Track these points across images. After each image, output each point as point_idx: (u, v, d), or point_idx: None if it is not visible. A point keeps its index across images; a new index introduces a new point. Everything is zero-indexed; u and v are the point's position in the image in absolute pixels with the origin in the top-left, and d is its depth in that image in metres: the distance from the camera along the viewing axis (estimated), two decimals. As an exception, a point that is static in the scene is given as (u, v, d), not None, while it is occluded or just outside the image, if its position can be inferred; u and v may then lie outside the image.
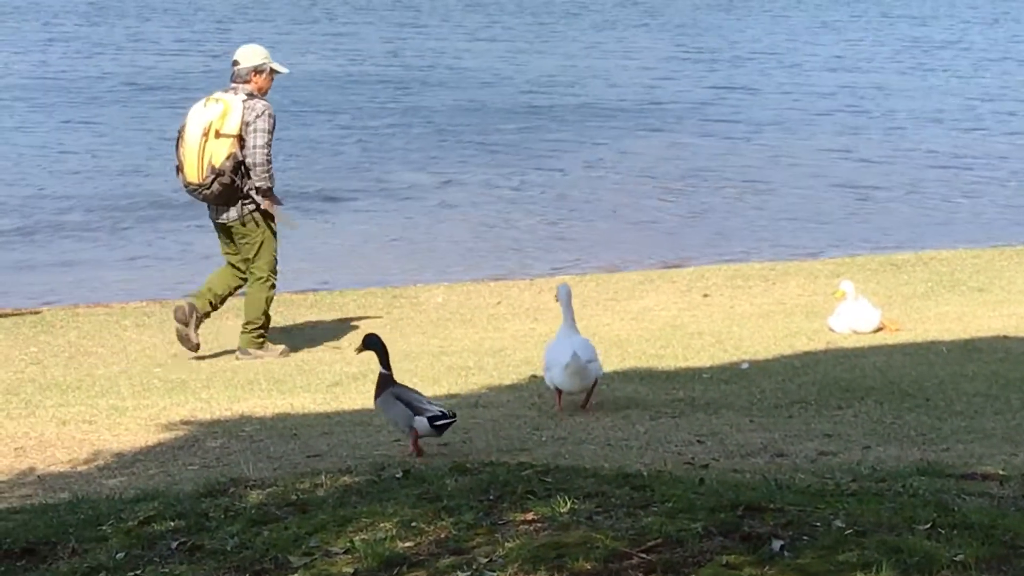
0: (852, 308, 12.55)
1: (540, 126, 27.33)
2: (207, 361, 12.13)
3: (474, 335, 13.08)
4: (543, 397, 9.91)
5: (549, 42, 40.92)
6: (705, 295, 14.78)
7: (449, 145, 25.43)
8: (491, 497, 6.21)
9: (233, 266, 12.45)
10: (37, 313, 14.40)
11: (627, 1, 52.71)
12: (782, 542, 5.57)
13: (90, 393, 10.59)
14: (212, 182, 11.98)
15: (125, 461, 8.49)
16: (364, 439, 8.67)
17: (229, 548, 5.93)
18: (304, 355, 12.30)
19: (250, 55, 12.26)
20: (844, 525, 5.72)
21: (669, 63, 36.19)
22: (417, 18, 47.15)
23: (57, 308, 14.92)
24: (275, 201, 12.25)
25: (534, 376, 10.75)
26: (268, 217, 12.27)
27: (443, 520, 5.94)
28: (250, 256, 12.29)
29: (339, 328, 13.55)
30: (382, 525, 5.94)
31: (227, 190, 12.04)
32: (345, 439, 8.72)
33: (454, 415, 8.27)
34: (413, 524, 5.92)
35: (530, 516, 5.93)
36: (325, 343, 12.90)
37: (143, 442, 8.95)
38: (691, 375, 10.63)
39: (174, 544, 6.03)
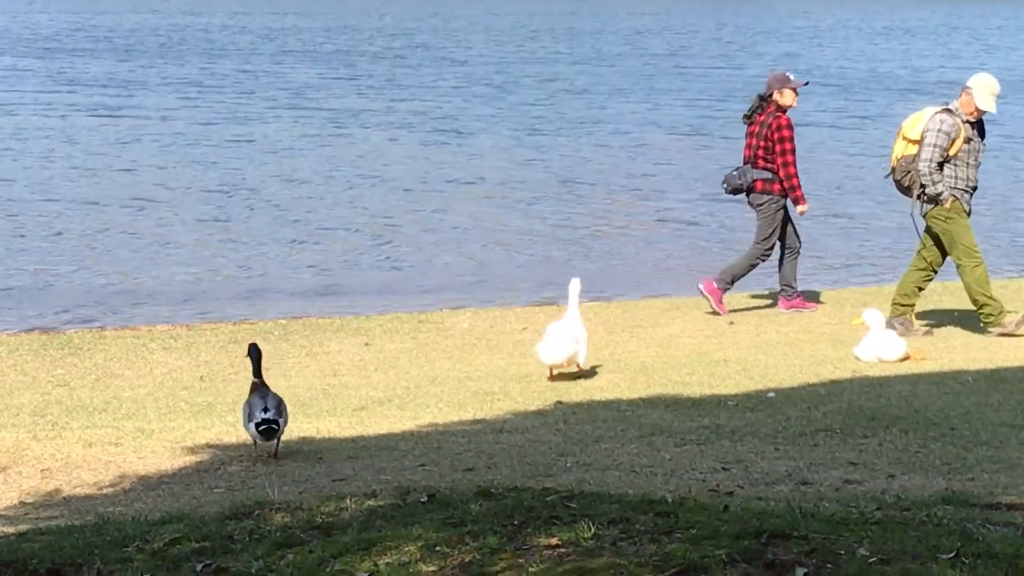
0: (878, 337, 12.56)
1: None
2: (233, 384, 12.16)
3: (499, 361, 13.08)
4: (568, 423, 9.92)
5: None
6: (731, 323, 14.78)
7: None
8: (516, 522, 6.22)
9: (918, 253, 14.07)
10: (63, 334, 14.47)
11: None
12: (806, 570, 5.57)
13: (116, 415, 10.63)
14: (890, 176, 13.96)
15: (151, 483, 8.52)
16: (389, 463, 8.69)
17: (254, 571, 5.93)
18: (329, 379, 12.31)
19: (975, 78, 13.75)
20: (868, 553, 5.71)
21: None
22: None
23: (84, 330, 14.99)
24: (939, 204, 13.61)
25: (559, 402, 10.78)
26: (950, 211, 13.65)
27: (467, 544, 5.95)
28: (948, 248, 13.83)
29: (364, 352, 13.55)
30: (407, 549, 5.94)
31: (899, 186, 13.93)
32: (370, 463, 8.74)
33: (275, 421, 8.72)
34: (437, 548, 5.93)
35: (554, 541, 5.93)
36: (350, 367, 12.91)
37: (169, 464, 8.98)
38: (716, 402, 10.63)
39: (199, 567, 6.04)
